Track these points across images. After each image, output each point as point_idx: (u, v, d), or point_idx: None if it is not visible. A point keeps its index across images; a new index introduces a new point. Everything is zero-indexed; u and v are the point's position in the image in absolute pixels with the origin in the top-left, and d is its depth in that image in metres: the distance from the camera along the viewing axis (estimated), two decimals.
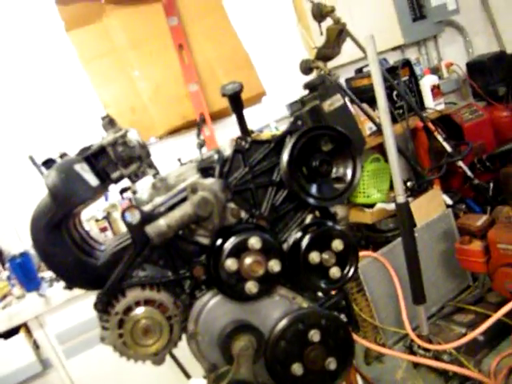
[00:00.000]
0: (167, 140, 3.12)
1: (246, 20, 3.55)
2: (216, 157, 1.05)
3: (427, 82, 3.34)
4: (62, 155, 1.14)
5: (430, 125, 3.18)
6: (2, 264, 2.85)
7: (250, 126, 3.27)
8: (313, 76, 3.36)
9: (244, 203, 1.09)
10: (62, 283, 2.48)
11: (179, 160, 1.30)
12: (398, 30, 3.78)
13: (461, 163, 3.19)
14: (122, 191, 1.24)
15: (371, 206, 3.07)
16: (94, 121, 3.19)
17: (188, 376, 2.43)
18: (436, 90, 3.35)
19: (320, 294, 1.20)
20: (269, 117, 3.43)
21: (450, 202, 3.09)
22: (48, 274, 2.74)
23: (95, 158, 1.12)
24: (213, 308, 1.06)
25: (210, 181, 0.99)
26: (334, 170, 1.14)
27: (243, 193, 1.09)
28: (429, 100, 3.37)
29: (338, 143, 1.12)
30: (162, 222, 0.96)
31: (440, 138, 3.20)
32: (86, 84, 3.13)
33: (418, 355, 2.41)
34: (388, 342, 2.80)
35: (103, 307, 1.01)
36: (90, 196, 1.02)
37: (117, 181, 1.15)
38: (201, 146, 1.07)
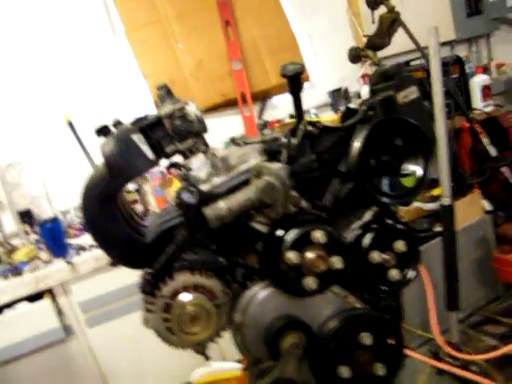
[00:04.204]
0: (205, 117, 3.06)
1: (294, 1, 3.45)
2: (284, 140, 0.97)
3: (478, 82, 3.20)
4: (117, 123, 1.08)
5: (477, 126, 3.05)
6: (32, 227, 2.85)
7: (290, 110, 3.21)
8: (360, 65, 3.27)
9: (305, 192, 1.02)
10: (89, 253, 2.47)
11: (233, 139, 1.23)
12: (451, 24, 3.62)
13: (504, 169, 3.07)
14: (171, 166, 1.17)
15: (405, 204, 2.97)
16: (131, 90, 3.17)
17: (207, 358, 2.40)
18: (486, 91, 3.21)
19: (368, 295, 1.14)
20: (309, 103, 3.34)
21: (489, 207, 2.98)
22: (76, 241, 2.73)
23: (151, 129, 1.06)
24: (263, 300, 1.00)
25: (276, 165, 0.91)
26: (403, 166, 1.06)
27: (306, 181, 1.02)
28: (477, 100, 3.24)
29: (411, 138, 1.04)
30: (223, 205, 0.90)
31: (485, 141, 3.07)
32: (128, 53, 3.09)
33: (445, 362, 2.34)
34: (411, 345, 2.73)
35: (150, 289, 0.95)
36: (147, 168, 0.96)
37: (170, 155, 1.09)
38: (263, 126, 1.00)
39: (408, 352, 2.40)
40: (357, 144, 1.00)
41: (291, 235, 0.93)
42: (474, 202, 2.92)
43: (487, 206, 2.99)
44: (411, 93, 1.11)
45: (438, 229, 2.86)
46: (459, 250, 2.72)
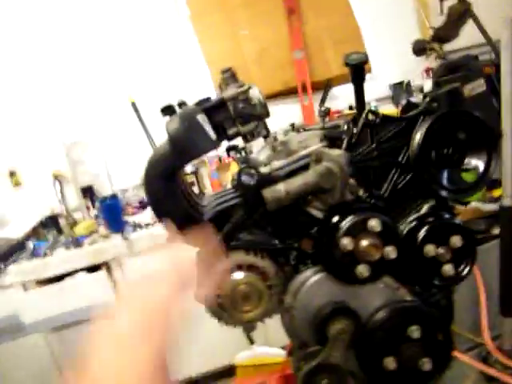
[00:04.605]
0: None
1: None
2: (345, 127, 0.98)
3: None
4: (181, 103, 1.12)
5: None
6: (92, 203, 2.98)
7: (350, 101, 3.18)
8: (424, 58, 3.18)
9: (364, 181, 1.02)
10: (145, 230, 2.56)
11: (292, 125, 1.25)
12: None
13: None
14: (231, 149, 1.21)
15: (464, 203, 2.88)
16: (194, 74, 3.23)
17: (252, 341, 2.45)
18: None
19: (420, 288, 1.13)
20: (370, 95, 3.29)
21: None
22: (133, 218, 2.84)
23: (214, 110, 1.09)
24: (315, 284, 1.01)
25: (336, 152, 0.92)
26: (465, 161, 1.04)
27: (365, 170, 1.02)
28: None
29: (475, 132, 1.02)
30: (281, 188, 0.91)
31: None
32: (191, 38, 3.15)
33: (495, 369, 2.27)
34: (459, 348, 2.67)
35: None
36: (209, 149, 0.98)
37: (232, 137, 1.11)
38: (324, 114, 1.01)
39: (457, 354, 2.36)
40: (418, 135, 0.99)
41: (347, 222, 0.93)
42: None
43: None
44: (478, 86, 1.09)
45: (496, 231, 2.77)
46: None
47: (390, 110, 3.34)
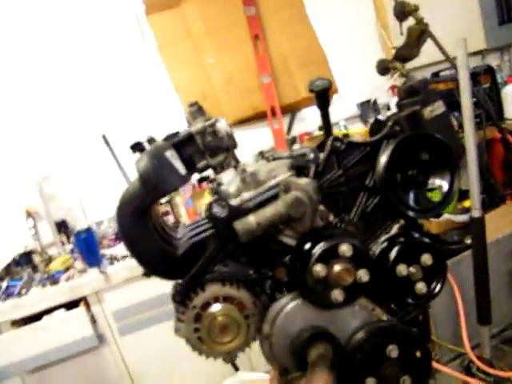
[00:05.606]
0: (235, 130, 3.09)
1: (323, 15, 3.49)
2: (311, 155, 1.00)
3: (510, 91, 3.16)
4: (150, 140, 1.13)
5: (509, 137, 3.00)
6: (67, 237, 2.94)
7: (319, 123, 3.23)
8: (389, 77, 3.27)
9: (333, 206, 1.04)
10: (122, 262, 2.54)
11: (261, 153, 1.27)
12: (482, 33, 3.58)
13: None
14: (202, 180, 1.22)
15: (436, 216, 2.94)
16: (164, 104, 3.25)
17: (236, 368, 2.42)
18: None
19: (396, 307, 1.15)
20: (338, 115, 3.37)
21: None
22: (109, 251, 2.81)
23: (183, 145, 1.10)
24: (291, 311, 1.02)
25: (304, 181, 0.94)
26: (430, 181, 1.08)
27: (333, 196, 1.05)
28: (509, 110, 3.19)
29: (437, 153, 1.06)
30: (252, 219, 0.93)
31: None
32: (160, 69, 3.18)
33: (477, 378, 2.30)
34: (442, 359, 2.70)
35: (181, 299, 0.99)
36: (180, 184, 1.00)
37: (202, 170, 1.13)
38: (292, 142, 1.03)
39: (439, 366, 2.38)
40: (383, 159, 1.02)
41: (319, 248, 0.95)
42: (506, 214, 2.88)
43: None
44: (437, 107, 1.13)
45: (470, 241, 2.83)
46: (491, 263, 2.67)
47: (358, 128, 3.41)
